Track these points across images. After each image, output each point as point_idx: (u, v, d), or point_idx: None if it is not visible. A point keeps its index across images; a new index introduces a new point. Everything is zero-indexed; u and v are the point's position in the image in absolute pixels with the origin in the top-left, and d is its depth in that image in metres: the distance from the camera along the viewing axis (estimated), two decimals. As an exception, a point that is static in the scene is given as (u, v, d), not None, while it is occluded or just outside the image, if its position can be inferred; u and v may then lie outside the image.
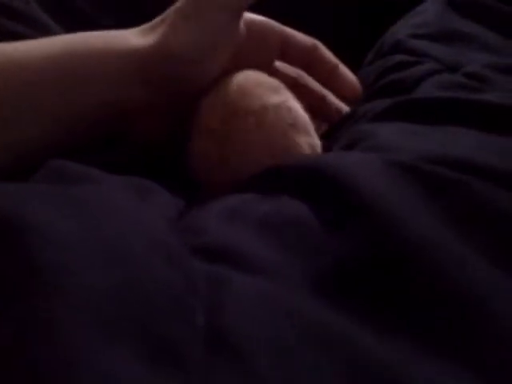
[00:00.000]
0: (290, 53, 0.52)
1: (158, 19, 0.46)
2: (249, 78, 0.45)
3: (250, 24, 0.49)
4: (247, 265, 0.28)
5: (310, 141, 0.43)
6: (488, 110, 0.43)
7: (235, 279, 0.26)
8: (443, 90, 0.48)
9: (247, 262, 0.28)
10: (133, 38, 0.45)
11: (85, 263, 0.24)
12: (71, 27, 0.53)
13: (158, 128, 0.47)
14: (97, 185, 0.32)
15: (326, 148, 0.50)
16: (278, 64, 0.52)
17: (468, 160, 0.35)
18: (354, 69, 0.64)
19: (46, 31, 0.56)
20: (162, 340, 0.22)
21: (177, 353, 0.22)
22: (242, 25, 0.47)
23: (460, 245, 0.28)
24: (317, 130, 0.48)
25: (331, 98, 0.53)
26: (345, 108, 0.54)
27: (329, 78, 0.52)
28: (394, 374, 0.23)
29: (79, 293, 0.22)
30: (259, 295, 0.26)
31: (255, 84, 0.43)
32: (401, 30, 0.60)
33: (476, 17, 0.61)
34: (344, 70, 0.53)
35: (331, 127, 0.54)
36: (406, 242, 0.28)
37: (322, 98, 0.53)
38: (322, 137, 0.51)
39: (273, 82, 0.45)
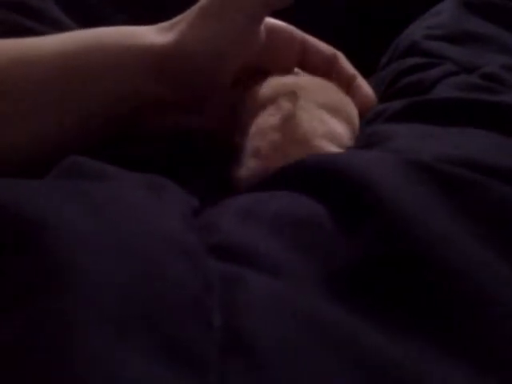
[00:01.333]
0: (310, 60, 0.52)
1: (177, 17, 0.46)
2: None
3: (272, 28, 0.49)
4: (261, 264, 0.28)
5: None
6: (505, 111, 0.42)
7: (250, 279, 0.26)
8: (459, 91, 0.47)
9: (261, 262, 0.28)
10: (150, 34, 0.45)
11: (100, 263, 0.23)
12: (85, 24, 0.53)
13: (170, 123, 0.47)
14: (113, 182, 0.32)
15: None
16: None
17: (485, 162, 0.35)
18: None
19: (61, 28, 0.56)
20: (177, 339, 0.22)
21: (193, 352, 0.22)
22: (262, 28, 0.47)
23: (473, 244, 0.28)
24: None
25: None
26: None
27: (346, 89, 0.52)
28: (404, 373, 0.23)
29: (94, 293, 0.22)
30: (273, 295, 0.25)
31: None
32: (416, 31, 0.59)
33: (492, 17, 0.60)
34: (362, 81, 0.53)
35: None
36: (419, 240, 0.27)
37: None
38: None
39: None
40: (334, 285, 0.27)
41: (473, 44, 0.56)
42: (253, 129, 0.44)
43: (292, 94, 0.43)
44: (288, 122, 0.41)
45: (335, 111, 0.45)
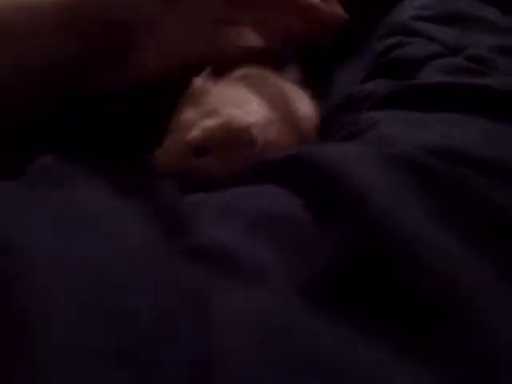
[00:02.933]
0: None
1: None
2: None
3: None
4: (238, 270, 0.27)
5: None
6: (491, 95, 0.41)
7: (225, 289, 0.25)
8: (445, 74, 0.46)
9: (238, 267, 0.27)
10: None
11: (61, 280, 0.23)
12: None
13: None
14: (80, 191, 0.31)
15: (328, 130, 0.49)
16: None
17: (468, 151, 0.34)
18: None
19: None
20: (145, 364, 0.21)
21: (161, 379, 0.21)
22: None
23: (448, 242, 0.27)
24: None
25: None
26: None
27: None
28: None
29: (54, 305, 0.22)
30: (249, 309, 0.25)
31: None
32: (404, 11, 0.58)
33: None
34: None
35: (334, 108, 0.52)
36: (394, 237, 0.27)
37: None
38: (324, 120, 0.51)
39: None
40: (312, 288, 0.27)
41: (461, 24, 0.55)
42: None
43: (206, 70, 0.44)
44: (198, 96, 0.42)
45: (252, 86, 0.46)
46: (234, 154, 0.42)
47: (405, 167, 0.31)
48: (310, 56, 0.63)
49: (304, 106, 0.49)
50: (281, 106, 0.46)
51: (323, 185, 0.32)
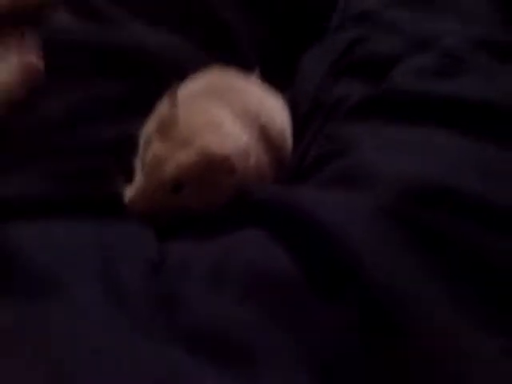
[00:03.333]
0: None
1: None
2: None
3: None
4: (234, 355, 0.27)
5: None
6: (463, 107, 0.41)
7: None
8: (418, 79, 0.46)
9: (234, 351, 0.27)
10: None
11: None
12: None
13: None
14: (64, 296, 0.29)
15: (299, 143, 0.48)
16: None
17: (450, 186, 0.34)
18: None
19: None
20: None
21: None
22: None
23: (454, 313, 0.28)
24: None
25: None
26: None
27: None
28: None
29: None
30: None
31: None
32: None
33: None
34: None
35: (304, 114, 0.51)
36: (395, 312, 0.27)
37: None
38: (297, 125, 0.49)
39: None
40: (313, 367, 0.27)
41: (430, 9, 0.54)
42: (140, 143, 0.42)
43: (170, 94, 0.40)
44: (167, 126, 0.39)
45: (222, 101, 0.43)
46: (211, 186, 0.40)
47: (393, 221, 0.31)
48: (270, 45, 0.61)
49: (277, 114, 0.47)
50: (254, 119, 0.44)
51: (317, 241, 0.31)
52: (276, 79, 0.53)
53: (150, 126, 0.43)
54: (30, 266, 0.30)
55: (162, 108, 0.42)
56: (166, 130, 0.40)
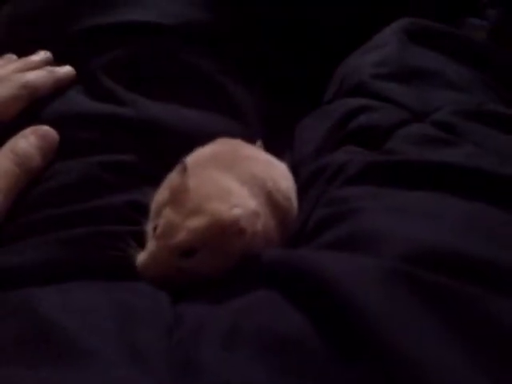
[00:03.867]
0: None
1: None
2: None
3: None
4: None
5: None
6: (464, 173, 0.43)
7: None
8: (414, 147, 0.48)
9: None
10: None
11: None
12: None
13: None
14: (94, 361, 0.30)
15: (301, 205, 0.50)
16: None
17: (459, 250, 0.35)
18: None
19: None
20: None
21: None
22: None
23: (464, 366, 0.29)
24: None
25: None
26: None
27: None
28: None
29: None
30: None
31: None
32: (363, 69, 0.59)
33: (436, 46, 0.61)
34: None
35: (305, 180, 0.53)
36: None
37: None
38: (298, 192, 0.51)
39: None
40: None
41: (419, 81, 0.57)
42: (151, 210, 0.44)
43: (181, 165, 0.43)
44: (178, 194, 0.42)
45: (229, 169, 0.46)
46: (222, 250, 0.41)
47: (404, 284, 0.32)
48: (269, 114, 0.64)
49: (282, 180, 0.49)
50: (261, 187, 0.46)
51: (330, 305, 0.32)
52: (275, 146, 0.56)
53: (161, 194, 0.45)
54: (58, 332, 0.31)
55: (173, 177, 0.44)
56: (177, 197, 0.42)
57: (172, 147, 0.50)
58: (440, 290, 0.32)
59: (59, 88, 0.53)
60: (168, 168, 0.46)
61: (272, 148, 0.56)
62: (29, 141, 0.46)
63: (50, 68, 0.54)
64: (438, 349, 0.29)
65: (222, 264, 0.42)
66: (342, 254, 0.37)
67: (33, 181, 0.46)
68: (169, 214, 0.41)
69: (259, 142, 0.56)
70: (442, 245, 0.36)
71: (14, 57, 0.57)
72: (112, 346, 0.31)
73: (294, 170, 0.53)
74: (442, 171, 0.44)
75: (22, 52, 0.57)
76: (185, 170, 0.43)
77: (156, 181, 0.47)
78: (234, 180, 0.45)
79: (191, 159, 0.47)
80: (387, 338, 0.29)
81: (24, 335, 0.31)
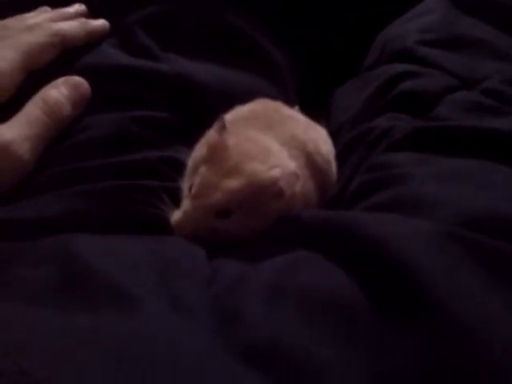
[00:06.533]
0: None
1: None
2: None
3: None
4: (296, 373, 0.26)
5: None
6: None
7: None
8: (465, 114, 0.46)
9: (296, 369, 0.26)
10: None
11: None
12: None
13: None
14: (135, 307, 0.29)
15: (342, 173, 0.48)
16: None
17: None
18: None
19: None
20: None
21: None
22: None
23: None
24: None
25: None
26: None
27: None
28: None
29: None
30: None
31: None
32: (407, 35, 0.57)
33: (483, 15, 0.58)
34: None
35: (344, 145, 0.51)
36: (483, 353, 0.26)
37: None
38: (337, 158, 0.49)
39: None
40: None
41: (467, 49, 0.54)
42: (188, 167, 0.43)
43: (219, 122, 0.41)
44: (216, 152, 0.40)
45: (269, 128, 0.44)
46: (259, 211, 0.40)
47: (459, 249, 0.30)
48: (306, 80, 0.62)
49: (322, 142, 0.47)
50: (301, 149, 0.44)
51: (382, 266, 0.30)
52: (312, 111, 0.54)
53: (198, 152, 0.43)
54: (98, 276, 0.29)
55: (211, 135, 0.42)
56: (215, 155, 0.40)
57: (207, 105, 0.48)
58: (497, 255, 0.30)
59: (92, 40, 0.51)
60: (202, 126, 0.44)
61: (307, 115, 0.54)
62: (60, 91, 0.45)
63: (83, 20, 0.53)
64: (494, 312, 0.28)
65: (259, 226, 0.40)
66: (391, 215, 0.35)
67: (63, 131, 0.44)
68: (205, 172, 0.39)
69: (297, 107, 0.54)
70: (499, 211, 0.34)
71: (49, 9, 0.55)
72: (154, 294, 0.29)
73: (332, 137, 0.51)
74: (494, 139, 0.41)
75: (57, 6, 0.56)
76: (223, 127, 0.41)
77: (189, 139, 0.45)
78: (273, 140, 0.43)
79: (230, 117, 0.45)
80: (442, 302, 0.27)
81: (61, 279, 0.30)
